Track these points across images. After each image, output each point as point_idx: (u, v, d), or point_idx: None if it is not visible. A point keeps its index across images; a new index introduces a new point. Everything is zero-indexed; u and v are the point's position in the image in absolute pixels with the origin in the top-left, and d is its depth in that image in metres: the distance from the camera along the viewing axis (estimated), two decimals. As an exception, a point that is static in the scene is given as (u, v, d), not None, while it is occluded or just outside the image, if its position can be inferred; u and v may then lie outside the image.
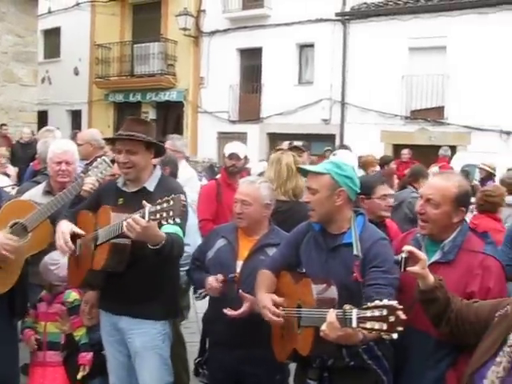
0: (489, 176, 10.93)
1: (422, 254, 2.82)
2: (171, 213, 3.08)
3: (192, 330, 7.01)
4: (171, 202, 3.08)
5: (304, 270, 3.29)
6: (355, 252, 3.02)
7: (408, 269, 2.81)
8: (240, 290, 3.60)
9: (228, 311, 3.58)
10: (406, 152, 14.56)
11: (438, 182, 3.16)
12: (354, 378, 3.13)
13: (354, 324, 2.53)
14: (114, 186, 3.88)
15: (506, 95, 16.02)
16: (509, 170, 12.50)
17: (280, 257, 3.45)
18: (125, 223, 3.22)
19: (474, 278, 2.98)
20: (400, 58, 17.98)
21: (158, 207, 3.11)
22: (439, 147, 14.07)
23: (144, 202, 3.21)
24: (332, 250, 3.18)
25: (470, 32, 16.79)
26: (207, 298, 4.01)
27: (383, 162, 10.79)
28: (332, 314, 2.65)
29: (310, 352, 2.97)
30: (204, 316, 4.16)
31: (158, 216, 3.11)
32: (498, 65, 16.32)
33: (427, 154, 14.96)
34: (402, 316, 2.44)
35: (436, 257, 3.11)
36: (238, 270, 3.73)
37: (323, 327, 2.66)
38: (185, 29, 21.76)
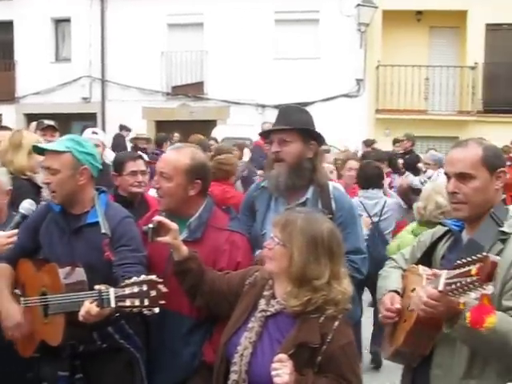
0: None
1: (172, 224, 2.79)
2: None
3: None
4: None
5: (44, 256, 3.12)
6: (103, 230, 2.92)
7: (159, 239, 2.78)
8: None
9: None
10: None
11: (170, 155, 3.16)
12: (107, 360, 3.06)
13: (113, 304, 2.46)
14: None
15: (261, 70, 16.91)
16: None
17: (16, 244, 3.17)
18: None
19: (222, 254, 3.04)
20: (159, 35, 18.07)
21: None
22: (201, 122, 14.37)
23: None
24: (75, 231, 3.03)
25: (225, 9, 17.45)
26: None
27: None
28: (86, 301, 2.55)
29: (62, 340, 2.82)
30: None
31: None
32: (252, 41, 17.16)
33: (189, 129, 15.21)
34: (164, 289, 2.45)
35: (183, 235, 3.06)
36: None
37: (82, 312, 2.54)
38: None
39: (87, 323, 2.60)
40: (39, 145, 3.25)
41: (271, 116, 18.14)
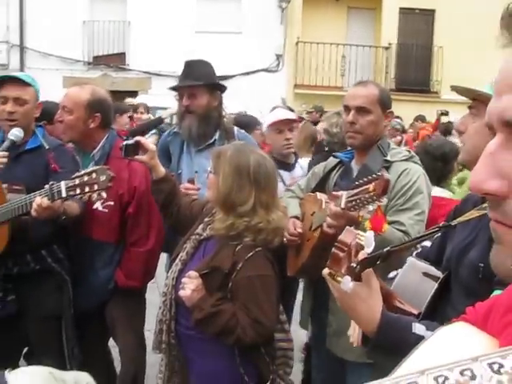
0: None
1: (150, 145, 3.04)
2: None
3: None
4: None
5: None
6: (47, 147, 3.23)
7: (137, 157, 3.02)
8: None
9: None
10: None
11: (72, 91, 3.43)
12: (39, 282, 3.29)
13: (64, 194, 2.73)
14: None
15: (183, 43, 16.97)
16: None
17: None
18: None
19: (122, 181, 3.31)
20: (81, 3, 17.76)
21: None
22: (122, 92, 14.37)
23: None
24: (15, 157, 3.22)
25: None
26: None
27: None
28: (37, 197, 2.79)
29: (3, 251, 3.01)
30: None
31: None
32: (175, 14, 17.28)
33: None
34: (112, 173, 2.73)
35: (90, 167, 3.30)
36: None
37: (34, 206, 2.78)
38: None
39: (27, 241, 2.91)
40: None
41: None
